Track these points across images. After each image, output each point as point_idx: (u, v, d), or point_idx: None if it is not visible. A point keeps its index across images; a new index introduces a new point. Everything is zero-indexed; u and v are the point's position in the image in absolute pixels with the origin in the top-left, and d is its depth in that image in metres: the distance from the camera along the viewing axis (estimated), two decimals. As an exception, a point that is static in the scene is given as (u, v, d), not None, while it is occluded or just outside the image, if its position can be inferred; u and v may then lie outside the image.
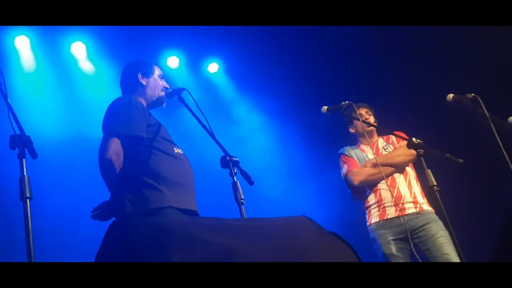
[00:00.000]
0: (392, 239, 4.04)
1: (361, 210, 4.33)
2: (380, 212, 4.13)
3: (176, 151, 3.24)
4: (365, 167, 4.23)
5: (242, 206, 2.91)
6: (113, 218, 3.08)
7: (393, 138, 4.39)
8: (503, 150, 3.63)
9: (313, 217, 2.32)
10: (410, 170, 4.24)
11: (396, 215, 4.06)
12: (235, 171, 2.95)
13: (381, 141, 4.42)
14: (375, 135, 4.45)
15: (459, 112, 4.10)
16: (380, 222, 4.11)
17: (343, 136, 4.46)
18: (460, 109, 3.94)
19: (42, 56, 5.79)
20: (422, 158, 3.45)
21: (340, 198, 6.14)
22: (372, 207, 4.20)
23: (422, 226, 4.04)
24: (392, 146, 4.34)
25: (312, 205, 6.33)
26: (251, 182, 2.92)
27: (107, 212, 3.14)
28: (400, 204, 4.08)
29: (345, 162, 4.36)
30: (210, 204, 4.54)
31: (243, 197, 2.93)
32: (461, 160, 3.61)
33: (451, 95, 3.96)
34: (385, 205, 4.10)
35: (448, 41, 6.14)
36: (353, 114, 4.12)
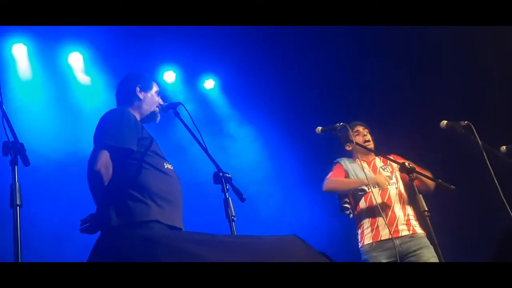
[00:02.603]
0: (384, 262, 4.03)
1: (349, 226, 4.32)
2: (374, 233, 4.11)
3: (166, 167, 3.22)
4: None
5: (233, 223, 2.90)
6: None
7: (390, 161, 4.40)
8: (494, 178, 3.65)
9: (304, 235, 2.31)
10: (403, 193, 4.24)
11: (390, 237, 4.03)
12: (227, 187, 2.94)
13: (378, 161, 4.42)
14: (372, 154, 4.44)
15: (453, 139, 4.14)
16: (374, 244, 4.09)
17: (337, 152, 4.46)
18: (454, 136, 3.97)
19: (39, 65, 5.79)
20: (414, 183, 3.48)
21: (333, 215, 6.13)
22: (365, 227, 4.18)
23: (414, 251, 4.04)
24: (390, 168, 4.34)
25: (304, 223, 6.31)
26: (242, 199, 2.91)
27: (95, 225, 3.11)
28: (394, 226, 4.08)
29: (332, 170, 4.38)
30: (200, 220, 4.54)
31: (234, 214, 2.92)
32: (452, 187, 3.64)
33: (444, 122, 4.00)
34: (379, 226, 4.08)
35: (444, 68, 6.19)
36: (349, 135, 4.12)
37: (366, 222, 4.17)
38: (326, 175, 4.35)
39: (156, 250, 2.12)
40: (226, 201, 2.95)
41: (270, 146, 6.97)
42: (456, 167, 5.53)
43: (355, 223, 4.30)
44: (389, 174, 4.27)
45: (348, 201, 4.31)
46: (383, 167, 4.34)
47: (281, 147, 6.89)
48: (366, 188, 4.19)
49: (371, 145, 4.40)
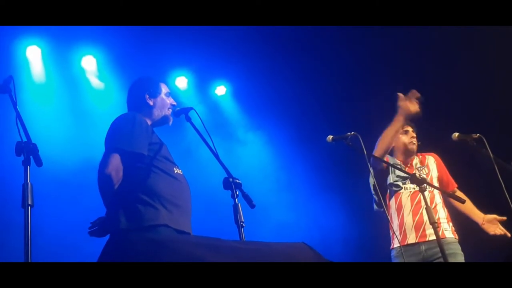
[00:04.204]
0: None
1: (365, 234, 4.30)
2: (402, 236, 4.08)
3: (175, 171, 3.23)
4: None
5: (242, 229, 2.90)
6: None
7: (429, 159, 4.37)
8: (506, 192, 3.64)
9: (316, 242, 2.32)
10: (437, 195, 4.20)
11: (417, 241, 4.03)
12: (237, 193, 2.94)
13: (416, 161, 4.38)
14: (411, 154, 4.39)
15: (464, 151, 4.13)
16: (401, 249, 4.02)
17: (348, 161, 4.44)
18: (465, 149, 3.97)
19: (52, 67, 5.82)
20: (424, 194, 3.47)
21: (347, 222, 6.12)
22: (395, 229, 4.15)
23: (440, 257, 3.99)
24: (426, 169, 4.30)
25: (316, 230, 6.30)
26: (252, 206, 2.91)
27: (104, 228, 3.13)
28: (421, 230, 4.05)
29: None
30: (209, 225, 4.53)
31: (243, 220, 2.92)
32: (463, 199, 3.62)
33: (456, 134, 4.00)
34: (406, 229, 4.06)
35: (456, 78, 6.17)
36: (361, 145, 4.07)
37: (396, 225, 4.15)
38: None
39: (164, 253, 2.14)
40: (235, 207, 2.95)
41: (281, 153, 6.97)
42: (467, 180, 5.50)
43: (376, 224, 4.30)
44: (424, 176, 4.21)
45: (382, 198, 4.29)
46: (419, 167, 4.30)
47: (293, 154, 6.88)
48: (400, 184, 4.17)
49: (415, 145, 4.36)
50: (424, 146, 4.49)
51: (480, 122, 5.27)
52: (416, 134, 4.41)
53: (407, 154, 4.34)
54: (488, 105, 5.98)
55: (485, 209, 4.26)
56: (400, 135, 4.34)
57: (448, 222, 4.14)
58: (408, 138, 4.35)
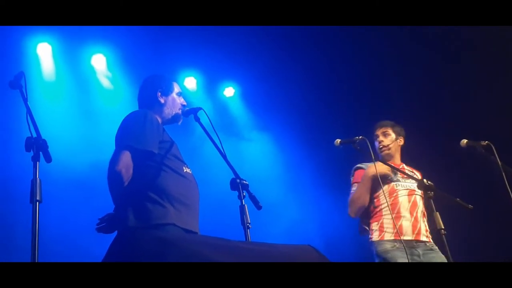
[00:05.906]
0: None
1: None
2: (396, 230, 3.97)
3: (185, 170, 3.23)
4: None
5: (248, 230, 2.90)
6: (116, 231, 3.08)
7: (416, 174, 4.32)
8: (513, 199, 3.63)
9: (321, 243, 2.32)
10: (421, 205, 4.17)
11: (413, 238, 4.00)
12: (244, 194, 2.94)
13: (405, 166, 4.35)
14: (399, 159, 4.36)
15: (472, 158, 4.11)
16: (403, 242, 3.94)
17: (355, 161, 4.42)
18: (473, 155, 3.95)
19: (62, 64, 5.84)
20: (431, 201, 3.45)
21: (352, 225, 6.11)
22: (386, 223, 4.05)
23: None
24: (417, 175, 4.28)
25: (321, 231, 6.28)
26: (259, 207, 2.90)
27: (112, 225, 3.14)
28: (417, 229, 4.02)
29: (353, 175, 4.26)
30: (215, 225, 4.54)
31: (249, 221, 2.92)
32: (470, 206, 3.60)
33: (464, 141, 3.98)
34: (403, 225, 4.01)
35: (463, 87, 6.16)
36: (369, 149, 4.05)
37: (388, 218, 4.03)
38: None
39: (171, 252, 2.14)
40: (242, 208, 2.94)
41: (289, 154, 6.97)
42: (475, 187, 5.49)
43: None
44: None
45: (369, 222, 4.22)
46: (410, 172, 4.26)
47: (301, 155, 6.89)
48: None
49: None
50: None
51: (488, 129, 5.25)
52: (393, 131, 4.37)
53: (389, 157, 4.31)
54: (497, 111, 5.96)
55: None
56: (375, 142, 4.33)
57: (427, 236, 4.13)
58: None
